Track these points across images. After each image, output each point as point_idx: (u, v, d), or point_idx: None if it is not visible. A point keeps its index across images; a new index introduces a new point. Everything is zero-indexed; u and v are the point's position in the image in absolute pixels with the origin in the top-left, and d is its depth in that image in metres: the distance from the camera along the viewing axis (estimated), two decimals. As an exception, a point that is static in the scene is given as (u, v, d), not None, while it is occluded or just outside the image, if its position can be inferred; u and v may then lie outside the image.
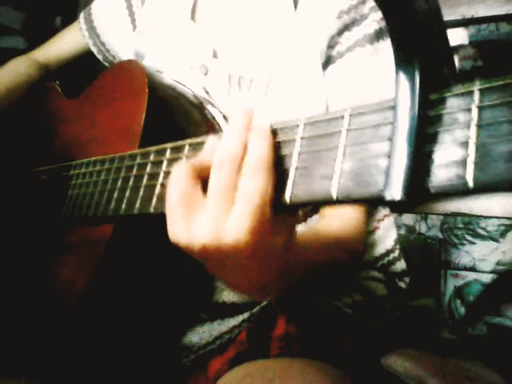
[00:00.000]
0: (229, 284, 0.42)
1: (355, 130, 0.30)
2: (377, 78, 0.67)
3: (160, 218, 0.39)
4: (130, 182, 0.48)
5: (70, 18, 0.99)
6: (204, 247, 0.36)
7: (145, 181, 0.46)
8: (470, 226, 1.76)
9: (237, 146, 0.35)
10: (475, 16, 0.95)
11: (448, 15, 0.96)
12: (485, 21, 1.01)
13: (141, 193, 0.46)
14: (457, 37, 0.98)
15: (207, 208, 0.36)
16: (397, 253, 0.80)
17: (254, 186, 0.34)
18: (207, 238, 0.35)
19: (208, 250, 0.36)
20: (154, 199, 0.44)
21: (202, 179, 0.37)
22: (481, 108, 0.25)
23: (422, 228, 1.85)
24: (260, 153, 0.34)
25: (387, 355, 0.78)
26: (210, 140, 0.40)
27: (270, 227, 0.35)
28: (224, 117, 0.70)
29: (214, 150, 0.37)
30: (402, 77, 0.28)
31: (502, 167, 0.23)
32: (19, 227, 0.75)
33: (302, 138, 0.34)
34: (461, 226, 1.78)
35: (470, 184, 0.24)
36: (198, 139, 0.42)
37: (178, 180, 0.37)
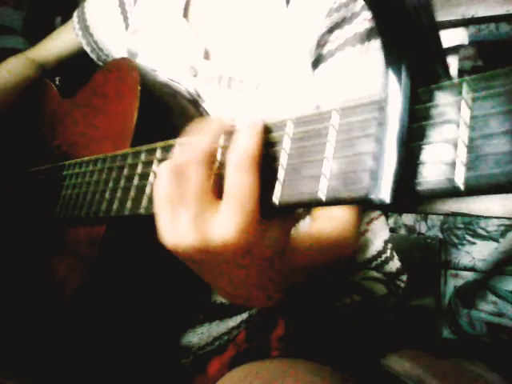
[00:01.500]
0: (217, 289, 0.41)
1: (343, 129, 0.30)
2: (367, 78, 0.66)
3: (153, 219, 0.38)
4: (121, 183, 0.48)
5: (69, 18, 0.98)
6: (191, 247, 0.35)
7: (135, 181, 0.46)
8: (470, 226, 1.76)
9: (211, 142, 0.35)
10: (475, 16, 0.94)
11: (448, 15, 0.96)
12: (485, 21, 1.01)
13: (132, 193, 0.45)
14: (457, 37, 0.97)
15: (188, 206, 0.35)
16: (388, 252, 0.79)
17: (240, 183, 0.33)
18: (192, 237, 0.35)
19: (194, 249, 0.35)
20: (145, 199, 0.43)
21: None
22: (470, 102, 0.24)
23: (422, 228, 1.85)
24: (248, 147, 0.33)
25: (387, 355, 0.77)
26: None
27: (259, 228, 0.34)
28: None
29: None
30: (391, 75, 0.27)
31: (492, 165, 0.23)
32: (15, 226, 0.74)
33: (290, 137, 0.33)
34: (461, 226, 1.77)
35: (460, 185, 0.24)
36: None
37: (161, 179, 0.36)
